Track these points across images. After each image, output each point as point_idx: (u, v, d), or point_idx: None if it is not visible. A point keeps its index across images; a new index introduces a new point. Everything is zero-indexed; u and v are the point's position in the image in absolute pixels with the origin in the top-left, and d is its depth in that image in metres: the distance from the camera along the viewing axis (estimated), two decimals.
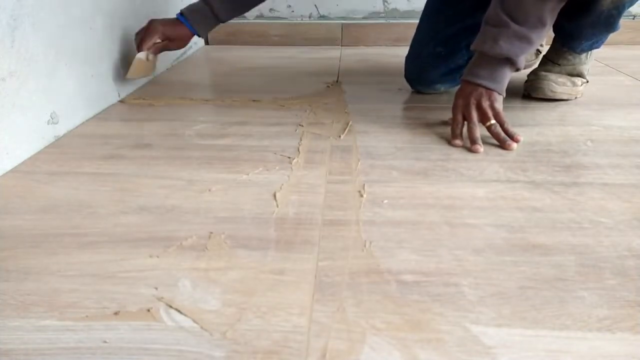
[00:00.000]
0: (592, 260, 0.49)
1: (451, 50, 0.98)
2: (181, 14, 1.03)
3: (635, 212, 0.58)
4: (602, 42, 0.95)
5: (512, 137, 0.76)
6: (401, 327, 0.41)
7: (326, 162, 0.72)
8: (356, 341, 0.39)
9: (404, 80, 1.08)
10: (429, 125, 0.86)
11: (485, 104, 0.78)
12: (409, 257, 0.50)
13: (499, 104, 0.79)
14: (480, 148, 0.74)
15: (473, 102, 0.79)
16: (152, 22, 1.01)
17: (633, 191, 0.63)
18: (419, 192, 0.63)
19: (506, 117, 0.78)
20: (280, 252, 0.51)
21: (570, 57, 0.97)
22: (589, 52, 0.98)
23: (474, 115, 0.78)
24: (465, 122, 0.79)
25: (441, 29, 0.98)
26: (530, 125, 0.86)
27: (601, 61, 1.33)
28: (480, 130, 0.77)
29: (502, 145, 0.76)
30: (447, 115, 0.86)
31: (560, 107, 0.96)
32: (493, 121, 0.78)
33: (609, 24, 0.88)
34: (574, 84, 0.99)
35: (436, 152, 0.75)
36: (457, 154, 0.75)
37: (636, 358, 0.38)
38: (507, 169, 0.69)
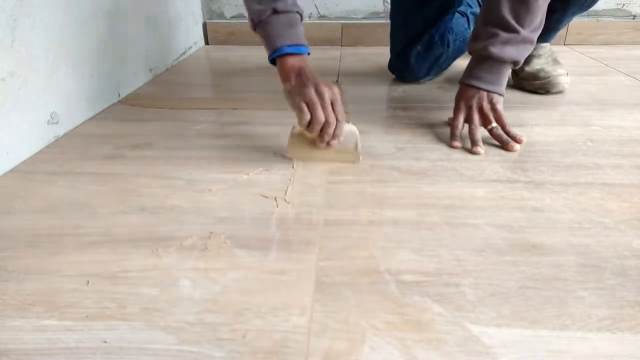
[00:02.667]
0: (592, 260, 0.49)
1: (428, 47, 1.08)
2: (297, 45, 0.72)
3: (635, 212, 0.58)
4: None
5: (514, 139, 0.76)
6: (401, 327, 0.41)
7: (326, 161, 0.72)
8: (356, 341, 0.39)
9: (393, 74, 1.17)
10: (429, 125, 0.86)
11: (487, 107, 0.78)
12: (409, 257, 0.50)
13: (500, 106, 0.79)
14: (481, 150, 0.74)
15: (475, 105, 0.79)
16: (311, 86, 0.67)
17: (633, 191, 0.63)
18: (419, 192, 0.63)
19: (507, 118, 0.78)
20: (280, 252, 0.51)
21: (543, 45, 1.04)
22: None
23: (476, 118, 0.78)
24: (466, 125, 0.79)
25: (418, 33, 1.06)
26: (530, 125, 0.86)
27: (601, 61, 1.33)
28: (481, 131, 0.77)
29: (505, 147, 0.75)
30: (447, 115, 0.86)
31: (560, 107, 0.96)
32: (494, 124, 0.78)
33: (587, 6, 0.96)
34: (567, 72, 1.03)
35: (436, 152, 0.75)
36: (457, 154, 0.75)
37: (636, 358, 0.38)
38: (507, 169, 0.69)
